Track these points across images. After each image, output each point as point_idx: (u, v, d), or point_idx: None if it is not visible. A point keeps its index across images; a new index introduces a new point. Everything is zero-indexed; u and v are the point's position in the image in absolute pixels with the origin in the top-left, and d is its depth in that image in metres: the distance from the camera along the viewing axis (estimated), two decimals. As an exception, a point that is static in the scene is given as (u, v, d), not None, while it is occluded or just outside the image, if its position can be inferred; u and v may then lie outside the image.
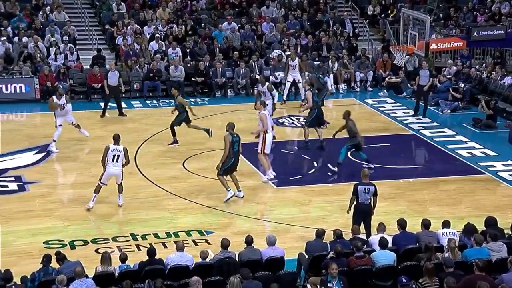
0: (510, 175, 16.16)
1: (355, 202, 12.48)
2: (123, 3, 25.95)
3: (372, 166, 16.03)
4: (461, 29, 24.52)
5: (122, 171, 14.18)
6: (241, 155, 15.85)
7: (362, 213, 12.42)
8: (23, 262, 11.94)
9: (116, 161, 14.06)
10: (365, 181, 12.56)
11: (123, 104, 21.09)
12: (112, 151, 14.04)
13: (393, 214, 13.79)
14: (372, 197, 12.46)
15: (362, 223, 12.33)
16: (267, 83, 18.83)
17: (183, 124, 17.82)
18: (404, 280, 10.09)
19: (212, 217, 14.03)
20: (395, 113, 21.12)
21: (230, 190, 14.60)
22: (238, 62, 23.25)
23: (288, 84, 21.92)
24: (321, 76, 20.58)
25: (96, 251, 12.40)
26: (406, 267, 10.43)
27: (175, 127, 17.74)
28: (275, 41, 24.94)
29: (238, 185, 14.85)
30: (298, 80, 21.64)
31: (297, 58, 21.98)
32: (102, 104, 20.74)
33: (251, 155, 17.20)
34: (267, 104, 17.25)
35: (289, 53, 23.87)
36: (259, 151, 15.62)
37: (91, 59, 23.29)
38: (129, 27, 24.48)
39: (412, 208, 14.35)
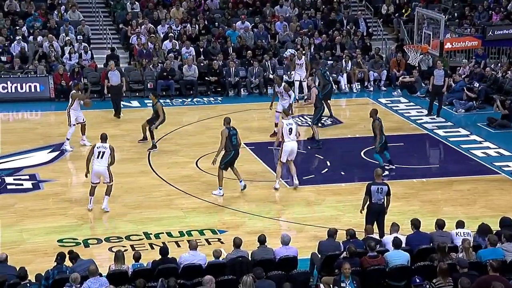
0: (525, 175, 16.09)
1: (368, 202, 12.44)
2: (137, 2, 26.04)
3: (393, 167, 15.92)
4: (476, 28, 24.37)
5: (109, 170, 14.06)
6: (254, 155, 15.92)
7: (375, 213, 12.39)
8: (38, 260, 12.01)
9: (101, 158, 14.01)
10: (378, 181, 12.54)
11: (136, 103, 21.14)
12: (97, 147, 14.11)
13: (407, 214, 13.77)
14: (385, 197, 12.43)
15: (375, 222, 12.30)
16: (283, 84, 18.78)
17: (198, 124, 17.74)
18: (417, 280, 10.05)
19: (225, 216, 14.05)
20: (409, 112, 21.05)
21: (221, 189, 14.81)
22: (252, 61, 23.25)
23: (297, 83, 21.89)
24: (327, 72, 20.51)
25: (110, 249, 12.45)
26: (420, 267, 10.40)
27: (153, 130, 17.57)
28: (288, 41, 24.91)
29: (239, 176, 15.04)
30: (303, 79, 21.61)
31: (303, 57, 21.97)
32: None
33: (264, 154, 17.27)
34: (284, 106, 17.34)
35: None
36: (276, 158, 15.67)
37: (105, 58, 23.36)
38: (143, 26, 24.55)
39: (426, 208, 14.30)
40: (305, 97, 21.15)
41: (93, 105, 18.55)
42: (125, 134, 18.90)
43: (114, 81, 20.26)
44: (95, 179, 14.16)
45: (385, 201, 12.47)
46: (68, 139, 17.55)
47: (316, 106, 17.76)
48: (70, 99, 17.65)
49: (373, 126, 15.93)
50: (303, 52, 22.90)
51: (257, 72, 22.84)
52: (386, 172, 15.77)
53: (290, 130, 14.82)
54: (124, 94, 21.42)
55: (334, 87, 22.45)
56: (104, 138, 14.31)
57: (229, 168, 14.92)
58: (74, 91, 17.81)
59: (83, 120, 17.78)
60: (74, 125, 17.55)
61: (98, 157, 14.04)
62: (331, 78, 21.02)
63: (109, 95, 20.66)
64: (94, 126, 18.48)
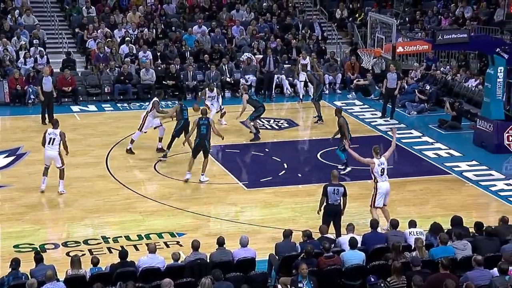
0: (474, 175, 16.46)
1: (325, 203, 12.66)
2: (93, 7, 25.85)
3: (349, 168, 16.18)
4: (427, 32, 24.88)
5: (60, 155, 14.81)
6: (212, 157, 16.05)
7: (332, 214, 12.61)
8: (-6, 267, 11.86)
9: (52, 144, 14.79)
10: (335, 182, 12.76)
11: (93, 108, 21.09)
12: (49, 134, 14.85)
13: (363, 214, 13.95)
14: (341, 198, 12.67)
15: (332, 223, 12.51)
16: (215, 89, 19.43)
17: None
18: (372, 279, 10.23)
19: (183, 219, 14.06)
20: (364, 115, 21.38)
21: (189, 173, 15.57)
22: (209, 65, 23.36)
23: (301, 84, 22.09)
24: (314, 73, 20.86)
25: (67, 254, 12.34)
26: (375, 266, 10.57)
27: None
28: (245, 44, 25.09)
29: (204, 170, 15.63)
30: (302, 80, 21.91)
31: (308, 57, 22.15)
32: (73, 108, 20.72)
33: (222, 156, 17.40)
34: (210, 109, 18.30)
35: (259, 56, 24.12)
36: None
37: (61, 63, 23.17)
38: (99, 31, 24.43)
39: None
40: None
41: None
42: (83, 138, 18.80)
43: (47, 87, 19.88)
44: (47, 162, 14.94)
45: (341, 202, 12.71)
46: (133, 140, 17.48)
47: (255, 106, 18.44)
48: (150, 105, 17.46)
49: (339, 124, 16.13)
50: (306, 53, 23.16)
51: (215, 75, 22.96)
52: (344, 171, 16.00)
53: (383, 171, 13.36)
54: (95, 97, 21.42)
55: (290, 91, 22.81)
56: (54, 124, 15.07)
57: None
58: (156, 99, 17.60)
59: (160, 123, 17.61)
60: (145, 132, 17.44)
61: (49, 143, 14.81)
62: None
63: (41, 101, 19.99)
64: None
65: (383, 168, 13.31)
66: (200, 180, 15.70)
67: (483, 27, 25.24)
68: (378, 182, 13.31)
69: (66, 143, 14.89)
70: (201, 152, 15.64)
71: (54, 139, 14.74)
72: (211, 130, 15.66)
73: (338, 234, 12.42)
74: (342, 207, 12.71)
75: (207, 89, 19.57)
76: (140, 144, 18.22)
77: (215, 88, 19.54)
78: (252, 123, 18.47)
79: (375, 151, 13.52)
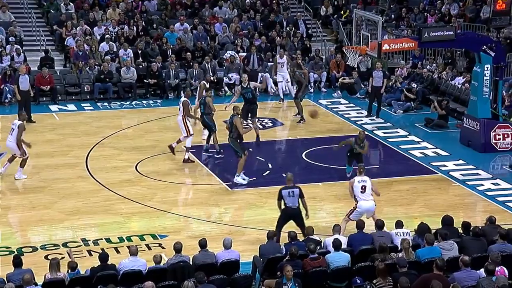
0: (461, 174, 16.37)
1: (284, 206, 12.45)
2: (71, 3, 25.47)
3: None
4: (413, 29, 24.82)
5: (18, 145, 15.20)
6: (195, 158, 15.81)
7: (287, 217, 12.44)
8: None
9: (11, 134, 15.34)
10: (289, 185, 12.59)
11: (72, 107, 20.86)
12: (12, 124, 15.43)
13: (349, 214, 13.87)
14: (300, 200, 12.43)
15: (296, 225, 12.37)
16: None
17: (138, 127, 17.49)
18: (358, 281, 10.13)
19: (165, 220, 13.89)
20: (349, 113, 21.22)
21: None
22: (192, 63, 23.07)
23: (281, 84, 21.76)
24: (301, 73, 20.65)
25: (46, 257, 12.12)
26: (361, 267, 10.46)
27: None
28: (228, 42, 24.83)
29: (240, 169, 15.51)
30: (287, 80, 21.56)
31: (285, 56, 21.93)
32: (51, 107, 20.45)
33: (206, 157, 17.15)
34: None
35: (242, 54, 23.86)
36: None
37: (39, 61, 22.79)
38: (78, 28, 24.04)
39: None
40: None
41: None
42: (62, 138, 18.53)
43: (24, 86, 19.58)
44: (5, 151, 15.55)
45: (301, 204, 12.46)
46: (187, 147, 16.66)
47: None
48: (182, 107, 16.70)
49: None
50: (285, 52, 22.82)
51: (197, 74, 22.66)
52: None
53: (363, 188, 12.80)
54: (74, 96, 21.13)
55: (275, 90, 22.54)
56: (19, 116, 15.77)
57: None
58: (185, 98, 16.90)
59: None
60: (193, 134, 16.77)
61: (10, 134, 15.40)
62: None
63: (18, 101, 19.74)
64: (29, 131, 17.95)
65: (364, 185, 12.73)
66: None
67: (469, 24, 25.27)
68: (359, 201, 12.73)
69: (20, 135, 15.13)
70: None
71: (13, 129, 15.18)
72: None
73: (303, 234, 12.15)
74: (305, 209, 12.50)
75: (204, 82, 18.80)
76: (121, 145, 17.98)
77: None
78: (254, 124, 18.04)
79: (359, 169, 13.15)
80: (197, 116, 17.18)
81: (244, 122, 18.43)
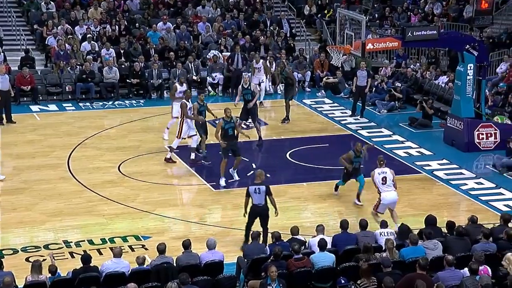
0: (445, 174, 16.38)
1: (251, 204, 12.37)
2: (52, 2, 25.24)
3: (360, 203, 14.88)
4: (396, 29, 24.87)
5: None
6: (178, 158, 15.63)
7: (255, 215, 12.38)
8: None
9: None
10: (257, 182, 12.49)
11: (54, 107, 20.70)
12: None
13: (332, 215, 13.90)
14: (267, 198, 12.34)
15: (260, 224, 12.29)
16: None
17: (120, 127, 17.32)
18: (343, 281, 10.13)
19: (149, 221, 13.77)
20: (333, 113, 21.19)
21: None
22: (175, 63, 22.92)
23: (262, 86, 21.54)
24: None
25: (27, 260, 11.97)
26: (345, 268, 10.43)
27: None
28: (211, 42, 24.71)
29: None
30: (262, 81, 21.42)
31: (261, 61, 21.84)
32: (32, 107, 20.29)
33: (189, 157, 17.02)
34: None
35: (226, 53, 23.75)
36: None
37: (20, 60, 22.55)
38: (59, 27, 23.81)
39: (350, 208, 14.37)
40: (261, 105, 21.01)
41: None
42: (43, 139, 18.35)
43: (4, 86, 19.36)
44: None
45: (268, 202, 12.37)
46: (172, 148, 16.44)
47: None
48: (180, 108, 16.44)
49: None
50: (261, 56, 22.68)
51: (180, 74, 22.50)
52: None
53: (384, 179, 13.05)
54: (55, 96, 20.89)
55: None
56: None
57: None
58: (184, 100, 16.57)
59: (195, 133, 16.53)
60: (184, 138, 16.49)
61: None
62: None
63: None
64: (10, 131, 17.86)
65: (385, 177, 13.02)
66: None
67: (452, 23, 25.38)
68: (381, 193, 12.95)
69: None
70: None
71: None
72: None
73: (265, 237, 12.13)
74: (274, 206, 12.41)
75: (177, 84, 18.67)
76: (103, 145, 17.84)
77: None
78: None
79: (379, 161, 13.30)
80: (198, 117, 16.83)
81: (243, 123, 18.30)
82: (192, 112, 16.28)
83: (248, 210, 12.40)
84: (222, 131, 14.92)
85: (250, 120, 18.31)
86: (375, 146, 17.10)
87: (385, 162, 13.37)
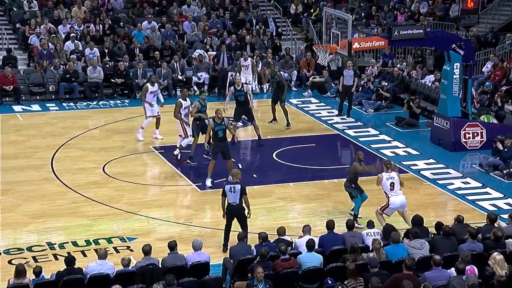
0: (431, 173, 16.36)
1: (227, 203, 12.32)
2: (35, 1, 25.01)
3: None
4: (383, 28, 24.87)
5: None
6: (163, 158, 15.48)
7: (231, 215, 12.34)
8: None
9: None
10: (233, 180, 12.42)
11: (37, 107, 20.55)
12: None
13: (319, 215, 13.80)
14: (241, 197, 12.26)
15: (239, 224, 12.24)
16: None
17: (105, 127, 17.19)
18: (330, 282, 10.08)
19: (134, 223, 13.65)
20: (320, 113, 21.12)
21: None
22: (160, 62, 22.77)
23: (249, 86, 21.30)
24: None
25: (10, 262, 11.84)
26: (332, 268, 10.38)
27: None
28: (197, 41, 24.58)
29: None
30: (249, 82, 21.23)
31: (249, 59, 21.70)
32: (15, 108, 20.07)
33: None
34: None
35: (212, 52, 23.62)
36: None
37: (1, 60, 22.34)
38: (42, 26, 23.58)
39: (338, 209, 14.30)
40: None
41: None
42: (26, 140, 18.19)
43: None
44: None
45: (242, 203, 12.27)
46: (181, 147, 16.34)
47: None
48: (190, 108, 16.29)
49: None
50: (248, 54, 22.53)
51: (166, 73, 22.36)
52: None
53: (392, 185, 12.93)
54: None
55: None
56: None
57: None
58: (179, 99, 16.45)
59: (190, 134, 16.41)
60: (191, 136, 16.31)
61: None
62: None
63: None
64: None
65: (392, 183, 12.92)
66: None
67: (438, 22, 25.43)
68: (390, 197, 12.87)
69: None
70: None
71: None
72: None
73: (245, 235, 11.89)
74: (247, 207, 12.32)
75: (149, 84, 18.45)
76: (87, 146, 17.69)
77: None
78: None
79: (385, 165, 13.15)
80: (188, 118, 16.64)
81: (235, 123, 18.14)
82: (191, 111, 16.26)
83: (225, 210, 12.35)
84: (212, 132, 14.89)
85: (241, 121, 18.23)
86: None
87: (392, 166, 13.16)
